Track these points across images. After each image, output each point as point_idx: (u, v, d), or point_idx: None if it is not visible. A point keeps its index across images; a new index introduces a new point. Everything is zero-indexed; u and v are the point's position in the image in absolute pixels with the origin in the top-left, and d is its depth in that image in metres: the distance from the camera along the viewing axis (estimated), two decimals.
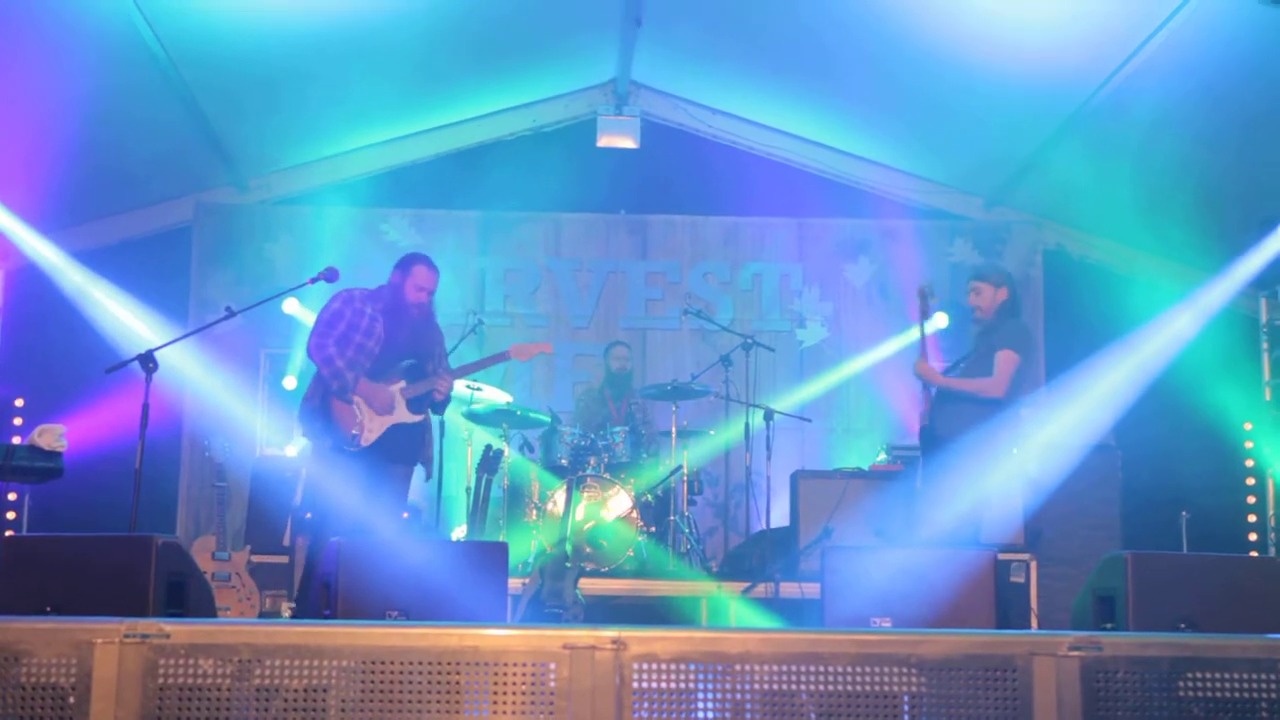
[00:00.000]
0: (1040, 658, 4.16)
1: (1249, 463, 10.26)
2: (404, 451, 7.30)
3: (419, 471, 7.51)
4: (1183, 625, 5.45)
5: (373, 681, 4.02)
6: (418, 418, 7.30)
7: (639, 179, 11.68)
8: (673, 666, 4.09)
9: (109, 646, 3.97)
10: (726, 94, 11.44)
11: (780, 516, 9.39)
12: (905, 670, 4.14)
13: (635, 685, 4.06)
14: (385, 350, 7.24)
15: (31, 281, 10.09)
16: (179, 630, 4.04)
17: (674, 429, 9.78)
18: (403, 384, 7.25)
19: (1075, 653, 4.17)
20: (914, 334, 11.01)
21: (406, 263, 7.38)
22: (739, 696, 4.11)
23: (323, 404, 7.16)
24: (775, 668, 4.12)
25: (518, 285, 11.58)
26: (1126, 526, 8.86)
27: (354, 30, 9.04)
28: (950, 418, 7.17)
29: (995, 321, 7.34)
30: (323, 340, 7.13)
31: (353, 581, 5.62)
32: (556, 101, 11.72)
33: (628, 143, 11.45)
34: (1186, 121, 8.91)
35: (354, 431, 7.11)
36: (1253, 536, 10.13)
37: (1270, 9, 7.34)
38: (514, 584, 7.39)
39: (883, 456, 9.54)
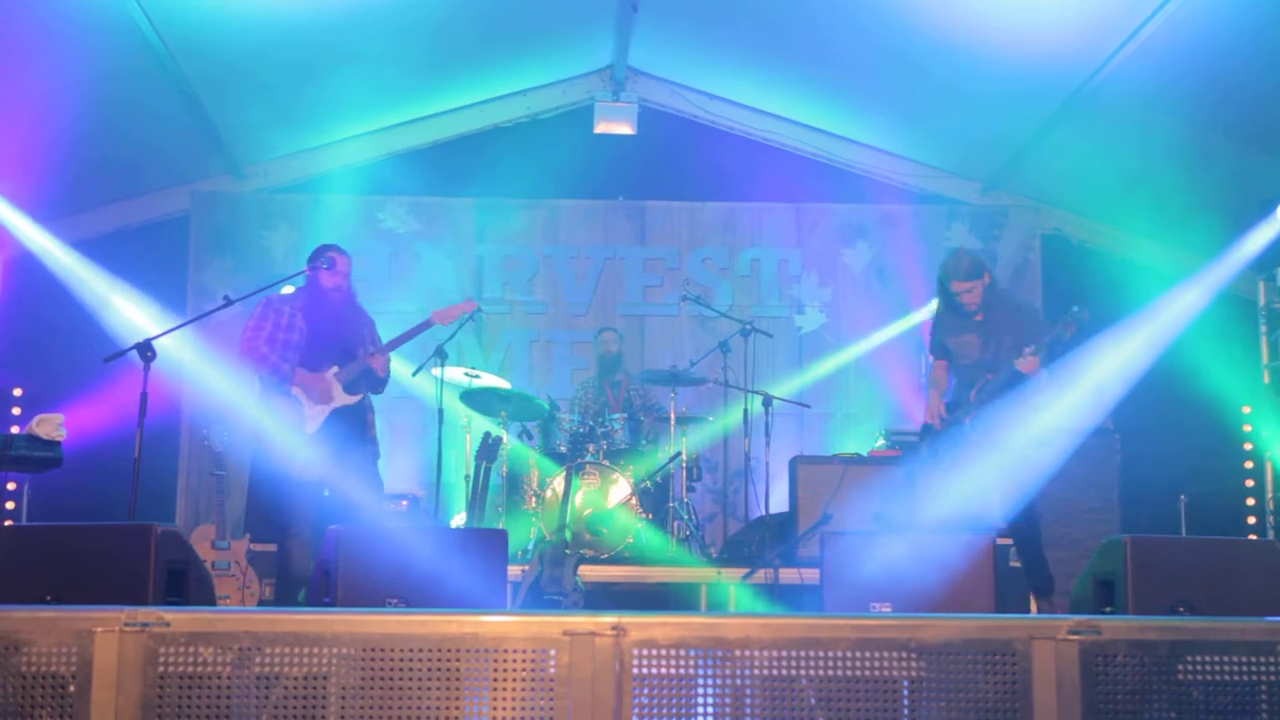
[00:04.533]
0: (1039, 641, 4.16)
1: (1247, 446, 10.25)
2: (352, 434, 7.49)
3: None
4: (1182, 609, 5.46)
5: (373, 668, 4.02)
6: (355, 398, 7.54)
7: (636, 165, 11.67)
8: (673, 652, 4.09)
9: (109, 635, 3.97)
10: (723, 79, 11.43)
11: (779, 502, 9.39)
12: (905, 655, 4.14)
13: (635, 671, 4.06)
14: (311, 341, 7.48)
15: (29, 271, 10.07)
16: (179, 619, 4.04)
17: (673, 415, 9.78)
18: (335, 369, 7.48)
19: (1074, 636, 4.17)
20: (911, 319, 11.16)
21: (319, 252, 7.64)
22: (739, 682, 4.11)
23: (264, 402, 7.38)
24: (775, 653, 4.12)
25: (515, 272, 11.56)
26: (1125, 510, 8.88)
27: (350, 18, 9.02)
28: (1003, 410, 7.04)
29: (1000, 311, 7.20)
30: (253, 342, 7.41)
31: (352, 569, 5.63)
32: (553, 88, 11.71)
33: (625, 129, 11.43)
34: (1185, 104, 8.89)
35: (294, 422, 7.32)
36: (1251, 520, 10.12)
37: None
38: (513, 571, 7.40)
39: (881, 442, 9.54)
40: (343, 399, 7.48)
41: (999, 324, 7.09)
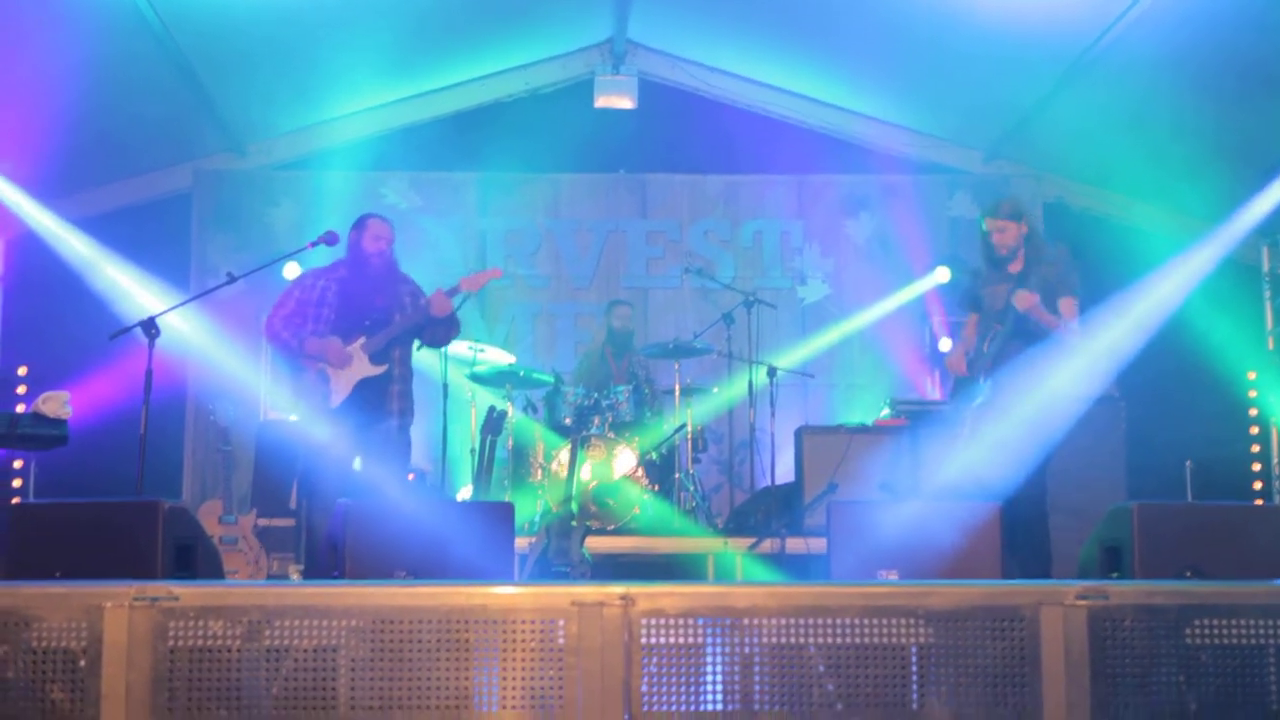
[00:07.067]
0: (1048, 607, 4.16)
1: (1253, 411, 10.27)
2: (380, 407, 7.31)
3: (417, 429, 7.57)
4: (1189, 574, 5.46)
5: (382, 640, 4.03)
6: (380, 369, 7.28)
7: (637, 138, 11.65)
8: (681, 621, 4.10)
9: (119, 610, 3.98)
10: (724, 52, 11.39)
11: (785, 472, 9.40)
12: (913, 622, 4.15)
13: (644, 641, 4.07)
14: (343, 311, 7.29)
15: (32, 250, 10.08)
16: (188, 593, 4.04)
17: (677, 387, 9.78)
18: (363, 340, 7.24)
19: (1082, 602, 4.18)
20: (915, 289, 11.16)
21: (360, 221, 7.51)
22: (747, 650, 4.11)
23: (291, 377, 7.33)
24: (783, 621, 4.12)
25: (518, 246, 11.56)
26: (1131, 477, 8.87)
27: None
28: (1021, 365, 6.90)
29: (1035, 264, 7.06)
30: (271, 319, 7.28)
31: (360, 542, 5.64)
32: (553, 62, 11.68)
33: (625, 103, 11.41)
34: (1187, 70, 8.86)
35: (319, 397, 7.17)
36: (1257, 485, 10.15)
37: None
38: (520, 544, 7.40)
39: (886, 411, 9.54)
40: (366, 369, 7.24)
41: (1030, 276, 6.95)
